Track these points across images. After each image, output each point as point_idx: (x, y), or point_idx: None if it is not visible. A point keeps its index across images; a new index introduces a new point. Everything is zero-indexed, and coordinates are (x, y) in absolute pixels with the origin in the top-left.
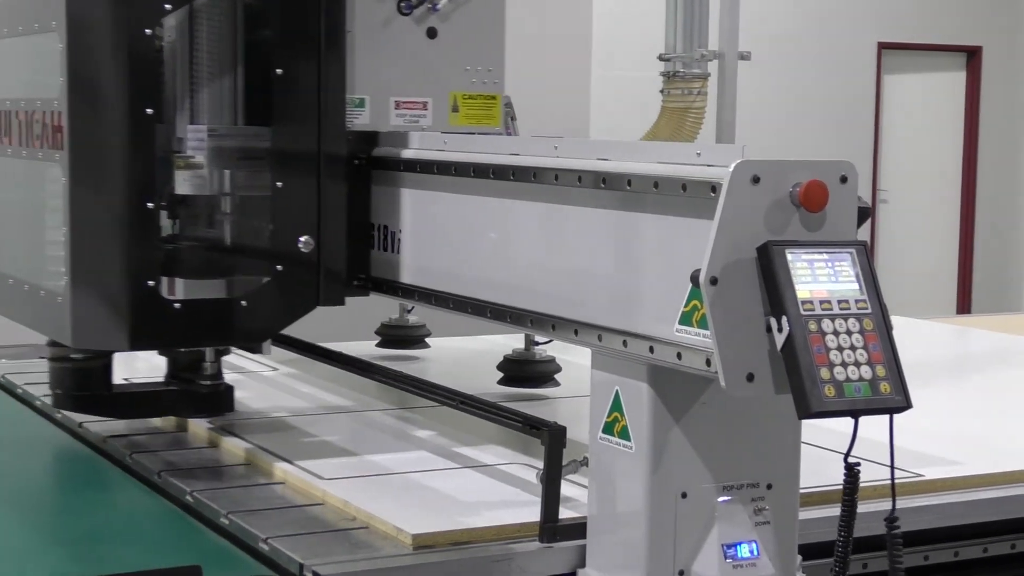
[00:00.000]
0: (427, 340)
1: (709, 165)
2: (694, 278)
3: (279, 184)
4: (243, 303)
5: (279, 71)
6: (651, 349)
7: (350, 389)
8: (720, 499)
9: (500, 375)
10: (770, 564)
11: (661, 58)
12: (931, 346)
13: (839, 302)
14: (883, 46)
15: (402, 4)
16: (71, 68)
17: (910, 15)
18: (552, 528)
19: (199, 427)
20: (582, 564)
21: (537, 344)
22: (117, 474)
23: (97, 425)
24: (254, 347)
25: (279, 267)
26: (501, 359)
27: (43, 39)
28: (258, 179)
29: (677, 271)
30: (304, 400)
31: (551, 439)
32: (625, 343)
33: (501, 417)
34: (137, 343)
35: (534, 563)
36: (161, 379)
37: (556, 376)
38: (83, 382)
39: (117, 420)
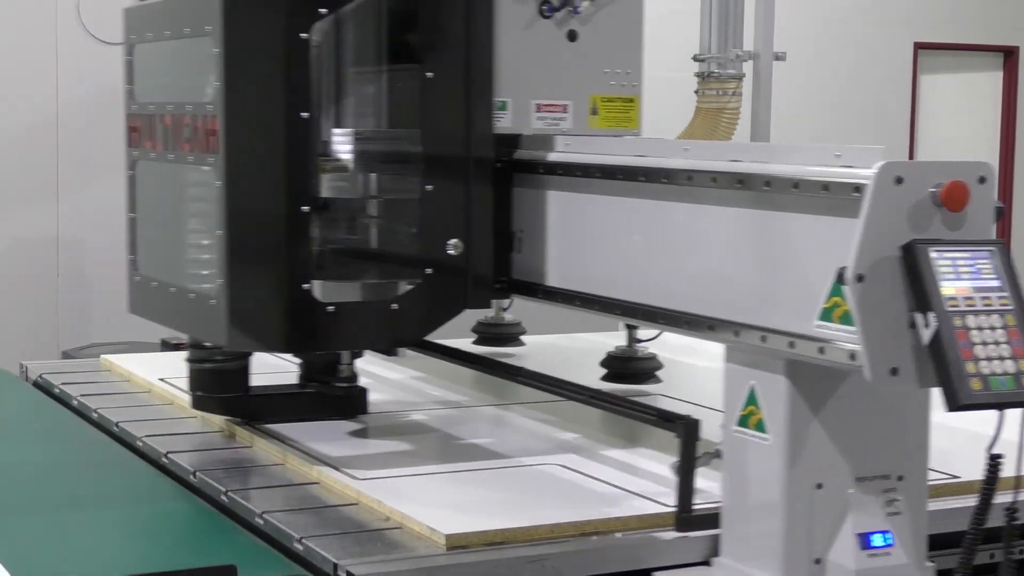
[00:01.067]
0: (522, 338)
1: (850, 167)
2: (841, 275)
3: (428, 188)
4: (394, 306)
5: (428, 75)
6: (791, 344)
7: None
8: (853, 490)
9: (601, 372)
10: (903, 553)
11: (696, 59)
12: None
13: (982, 299)
14: (919, 46)
15: (543, 7)
16: (227, 72)
17: (946, 15)
18: (687, 518)
19: (234, 427)
20: (715, 553)
21: (639, 342)
22: (153, 474)
23: (132, 425)
24: (390, 350)
25: (428, 271)
26: (604, 356)
27: (194, 44)
28: (403, 183)
29: (817, 268)
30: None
31: (686, 431)
32: (764, 338)
33: (633, 411)
34: (291, 345)
35: (669, 551)
36: (295, 382)
37: (657, 373)
38: (223, 384)
39: (153, 419)
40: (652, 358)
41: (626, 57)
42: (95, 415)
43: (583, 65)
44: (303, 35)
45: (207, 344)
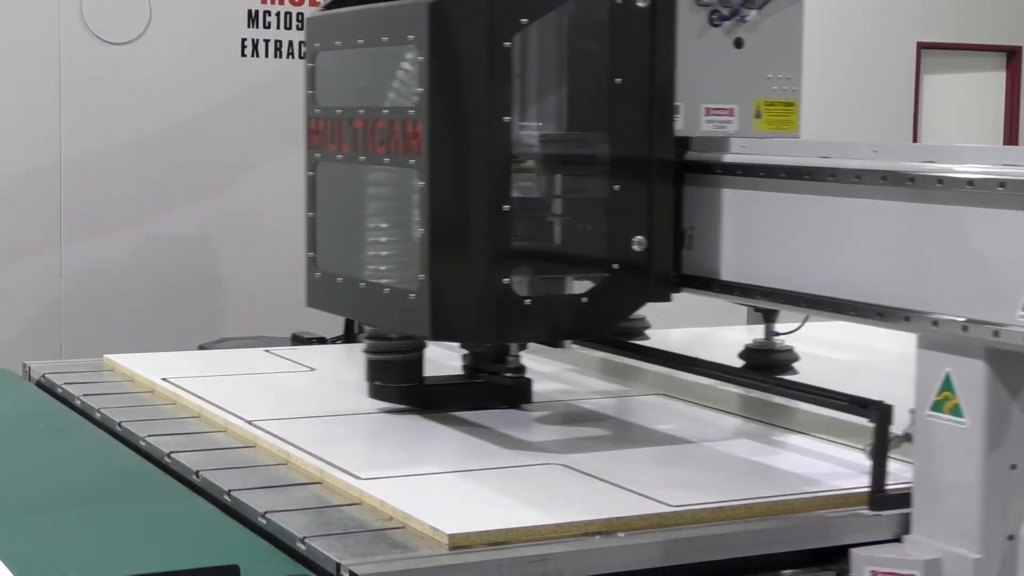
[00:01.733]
0: (646, 332)
1: None
2: None
3: (615, 188)
4: (583, 299)
5: (617, 80)
6: (995, 333)
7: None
8: None
9: (739, 364)
10: None
11: None
12: None
13: None
14: (922, 46)
15: (714, 16)
16: (432, 79)
17: (949, 15)
18: (882, 497)
19: (237, 427)
20: (905, 530)
21: (777, 335)
22: (155, 474)
23: (135, 425)
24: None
25: (615, 266)
26: (741, 348)
27: (392, 51)
28: (589, 183)
29: (1020, 261)
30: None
31: (880, 415)
32: (966, 328)
33: (825, 398)
34: (492, 336)
35: (864, 528)
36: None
37: (794, 365)
38: (401, 375)
39: (156, 419)
40: (790, 350)
41: (788, 63)
42: (98, 415)
43: (748, 71)
44: (506, 43)
45: (391, 337)
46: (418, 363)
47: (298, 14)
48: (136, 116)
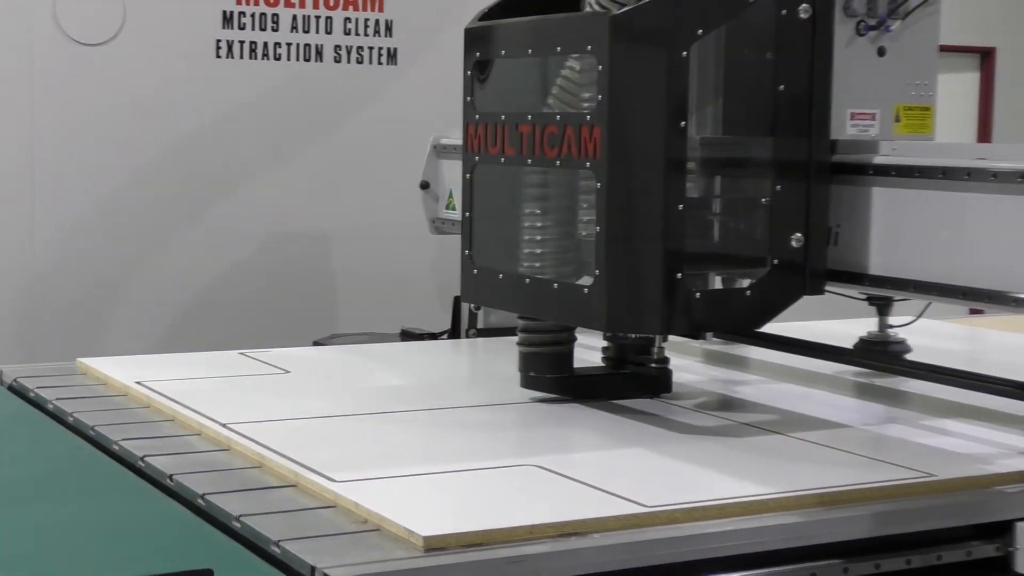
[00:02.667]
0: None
1: None
2: None
3: (778, 188)
4: (747, 293)
5: (781, 87)
6: None
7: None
8: None
9: None
10: None
11: None
12: None
13: None
14: None
15: (860, 26)
16: (613, 87)
17: None
18: None
19: (211, 430)
20: None
21: (891, 327)
22: (130, 478)
23: (108, 429)
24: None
25: (776, 261)
26: (856, 340)
27: (557, 61)
28: (750, 184)
29: None
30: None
31: None
32: None
33: (990, 384)
34: (668, 328)
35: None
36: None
37: (907, 357)
38: (553, 366)
39: (130, 423)
40: (903, 342)
41: (925, 70)
42: (71, 419)
43: (890, 77)
44: (683, 53)
45: (543, 330)
46: (569, 355)
47: (273, 15)
48: (110, 117)
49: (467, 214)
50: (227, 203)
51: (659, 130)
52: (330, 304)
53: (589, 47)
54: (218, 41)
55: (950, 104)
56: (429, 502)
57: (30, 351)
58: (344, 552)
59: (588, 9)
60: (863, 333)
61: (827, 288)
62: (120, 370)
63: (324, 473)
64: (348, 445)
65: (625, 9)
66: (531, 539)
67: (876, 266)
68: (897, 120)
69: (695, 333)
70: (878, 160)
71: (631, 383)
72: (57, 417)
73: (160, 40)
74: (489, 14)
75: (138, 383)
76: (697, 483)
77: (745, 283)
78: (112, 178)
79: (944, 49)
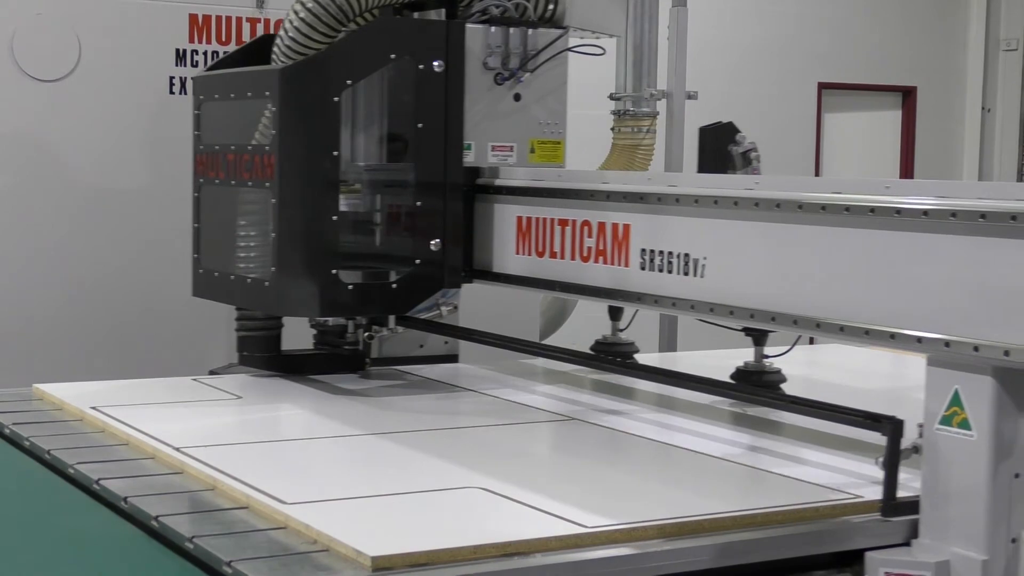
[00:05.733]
0: (635, 357)
1: None
2: None
3: (419, 203)
4: (393, 286)
5: (420, 125)
6: (1006, 353)
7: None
8: None
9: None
10: None
11: (612, 97)
12: None
13: None
14: (823, 86)
15: (497, 77)
16: (282, 124)
17: (849, 57)
18: (893, 504)
19: (165, 454)
20: (914, 535)
21: (766, 357)
22: (84, 500)
23: (64, 453)
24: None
25: (417, 261)
26: (733, 370)
27: (254, 104)
28: (400, 200)
29: None
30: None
31: (893, 429)
32: (976, 348)
33: (841, 414)
34: (324, 311)
35: (877, 533)
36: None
37: (782, 386)
38: (262, 346)
39: (85, 447)
40: (778, 372)
41: (555, 111)
42: (27, 443)
43: (524, 117)
44: (335, 99)
45: (256, 317)
46: (277, 338)
47: (224, 52)
48: (64, 152)
49: (196, 225)
50: (184, 238)
51: (316, 158)
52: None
53: (267, 93)
54: (171, 78)
55: (874, 140)
56: (377, 523)
57: None
58: (294, 572)
59: (274, 62)
60: (740, 363)
61: (703, 319)
62: (75, 396)
63: (275, 495)
64: (298, 468)
65: (290, 63)
66: (475, 559)
67: (513, 267)
68: (532, 151)
69: (349, 315)
70: (510, 183)
71: (331, 361)
72: (13, 441)
73: (114, 77)
74: (217, 65)
75: (93, 408)
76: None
77: (393, 277)
78: (67, 209)
79: (867, 88)
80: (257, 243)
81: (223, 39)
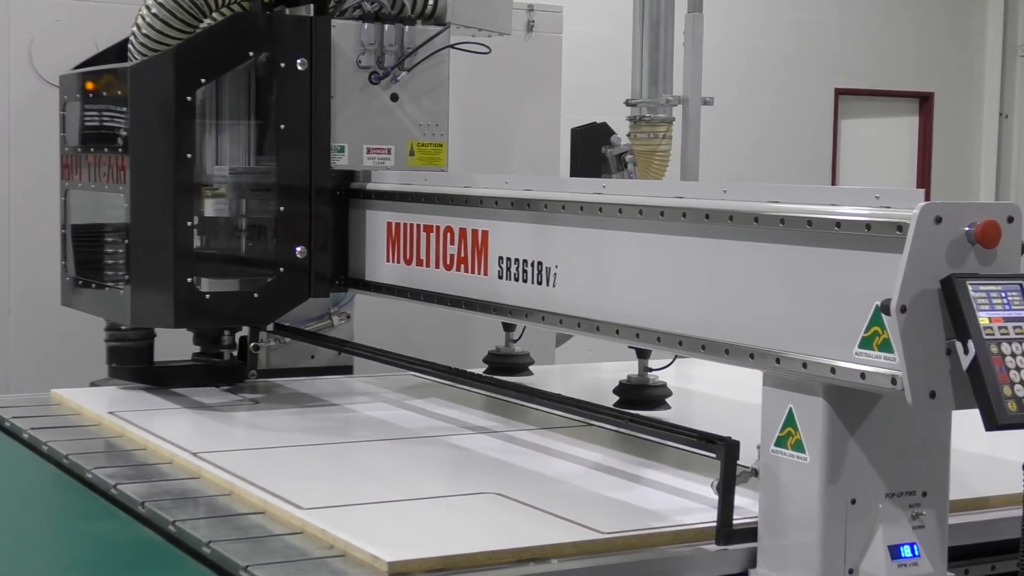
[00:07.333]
0: (530, 368)
1: (889, 207)
2: (885, 307)
3: (281, 208)
4: (255, 295)
5: (282, 126)
6: (832, 370)
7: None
8: (883, 505)
9: (613, 399)
10: (928, 563)
11: (627, 103)
12: None
13: (1015, 327)
14: (839, 92)
15: (372, 76)
16: (133, 125)
17: (865, 62)
18: (728, 532)
19: (182, 459)
20: (752, 564)
21: (650, 371)
22: (102, 505)
23: (82, 458)
24: (262, 327)
25: (281, 269)
26: (616, 384)
27: (110, 105)
28: (265, 204)
29: (856, 300)
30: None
31: (727, 452)
32: (805, 365)
33: (673, 433)
34: (179, 322)
35: (710, 564)
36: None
37: (667, 400)
38: (133, 358)
39: (102, 452)
40: (663, 386)
41: (435, 111)
42: (45, 448)
43: (403, 118)
44: (188, 98)
45: (121, 327)
46: (149, 349)
47: None
48: None
49: (63, 231)
50: None
51: (169, 160)
52: None
53: (119, 92)
54: None
55: (891, 146)
56: (393, 528)
57: (4, 382)
58: None
59: (130, 59)
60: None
61: (565, 332)
62: (93, 401)
63: (292, 500)
64: (316, 473)
65: (140, 61)
66: (491, 564)
67: (384, 276)
68: (412, 154)
69: (207, 326)
70: (382, 187)
71: (205, 373)
72: (32, 446)
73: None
74: (88, 62)
75: (111, 413)
76: None
77: (257, 287)
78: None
79: (883, 94)
80: (115, 250)
81: None
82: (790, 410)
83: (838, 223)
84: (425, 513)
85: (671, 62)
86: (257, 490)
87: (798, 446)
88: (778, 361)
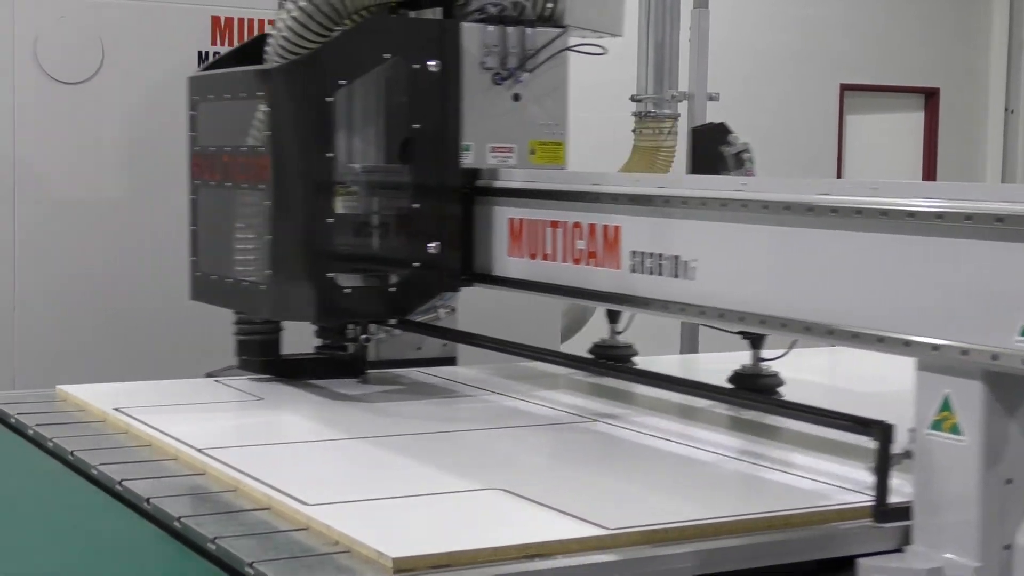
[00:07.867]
0: (634, 360)
1: None
2: None
3: (415, 206)
4: (391, 290)
5: (416, 126)
6: (994, 357)
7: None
8: None
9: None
10: None
11: (633, 99)
12: None
13: None
14: (845, 87)
15: (496, 77)
16: (274, 125)
17: (870, 58)
18: (884, 510)
19: (187, 455)
20: (906, 542)
21: (763, 360)
22: (107, 501)
23: (87, 454)
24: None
25: (415, 264)
26: (730, 373)
27: (248, 104)
28: (397, 202)
29: (1016, 291)
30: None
31: (883, 434)
32: (965, 352)
33: (830, 418)
34: (319, 318)
35: (867, 539)
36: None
37: (779, 389)
38: (262, 350)
39: (108, 448)
40: (775, 375)
41: (555, 111)
42: (51, 444)
43: (524, 118)
44: (328, 99)
45: (255, 321)
46: (275, 342)
47: None
48: (88, 154)
49: (193, 228)
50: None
51: (309, 160)
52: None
53: (260, 93)
54: None
55: (897, 142)
56: (398, 524)
57: (10, 378)
58: (316, 573)
59: (268, 62)
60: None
61: (693, 321)
62: (98, 397)
63: (297, 496)
64: (321, 469)
65: (283, 63)
66: (496, 560)
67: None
68: (532, 153)
69: (347, 320)
70: (509, 185)
71: (329, 366)
72: (37, 442)
73: (137, 79)
74: (213, 64)
75: (116, 409)
76: None
77: (391, 281)
78: (90, 213)
79: (889, 89)
80: (253, 246)
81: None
82: (946, 395)
83: (999, 218)
84: (429, 509)
85: (676, 58)
86: (262, 486)
87: (954, 429)
88: (936, 349)
